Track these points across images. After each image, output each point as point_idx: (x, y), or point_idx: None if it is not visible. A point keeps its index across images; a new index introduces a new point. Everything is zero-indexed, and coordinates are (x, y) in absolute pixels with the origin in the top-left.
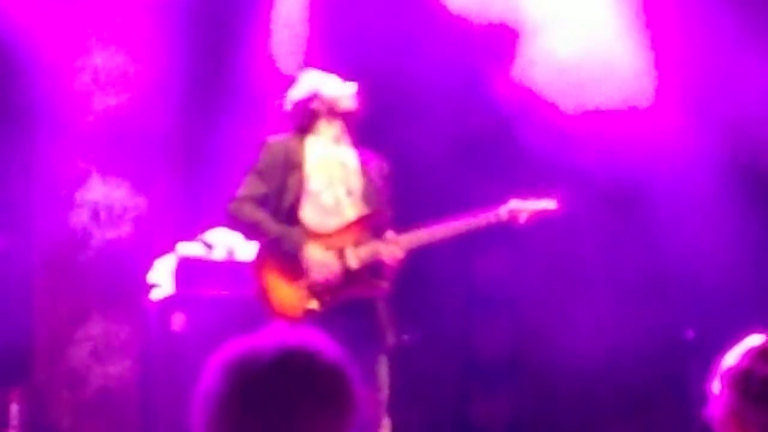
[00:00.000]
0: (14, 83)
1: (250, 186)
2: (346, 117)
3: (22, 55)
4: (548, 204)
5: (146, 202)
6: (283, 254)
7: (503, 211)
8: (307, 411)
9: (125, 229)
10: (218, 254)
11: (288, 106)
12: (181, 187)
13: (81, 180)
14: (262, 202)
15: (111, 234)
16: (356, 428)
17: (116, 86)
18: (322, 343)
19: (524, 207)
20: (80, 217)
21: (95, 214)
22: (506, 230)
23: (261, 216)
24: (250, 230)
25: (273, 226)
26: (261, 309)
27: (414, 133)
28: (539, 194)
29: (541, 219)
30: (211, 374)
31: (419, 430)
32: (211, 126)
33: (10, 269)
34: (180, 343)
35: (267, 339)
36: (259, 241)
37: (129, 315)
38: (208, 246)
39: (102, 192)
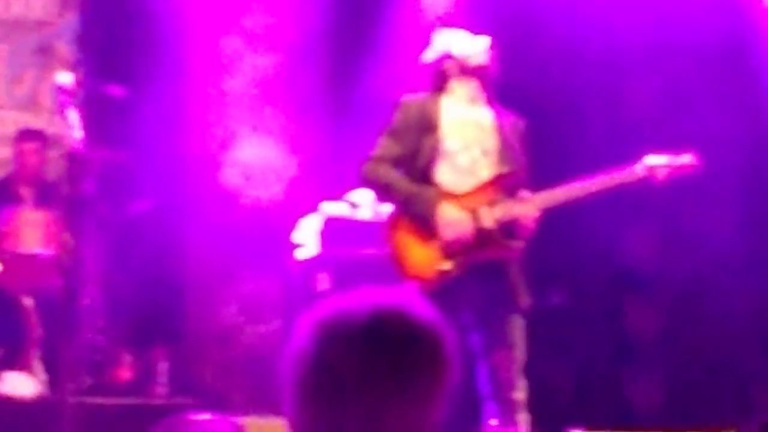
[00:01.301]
0: (165, 47)
1: (384, 147)
2: (479, 73)
3: (174, 19)
4: (686, 160)
5: (296, 162)
6: (416, 215)
7: (640, 168)
8: (398, 373)
9: (275, 190)
10: (364, 214)
11: (422, 67)
12: (329, 146)
13: (232, 141)
14: (396, 163)
15: (261, 194)
16: (450, 393)
17: (266, 47)
18: (417, 305)
19: (662, 163)
20: (231, 178)
21: (246, 175)
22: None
23: (394, 177)
24: (383, 191)
25: (406, 187)
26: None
27: (553, 89)
28: (676, 152)
29: (679, 176)
30: (301, 334)
31: (560, 390)
32: (358, 85)
33: (162, 229)
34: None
35: (360, 300)
36: (392, 202)
37: (278, 275)
38: (354, 205)
39: (253, 152)
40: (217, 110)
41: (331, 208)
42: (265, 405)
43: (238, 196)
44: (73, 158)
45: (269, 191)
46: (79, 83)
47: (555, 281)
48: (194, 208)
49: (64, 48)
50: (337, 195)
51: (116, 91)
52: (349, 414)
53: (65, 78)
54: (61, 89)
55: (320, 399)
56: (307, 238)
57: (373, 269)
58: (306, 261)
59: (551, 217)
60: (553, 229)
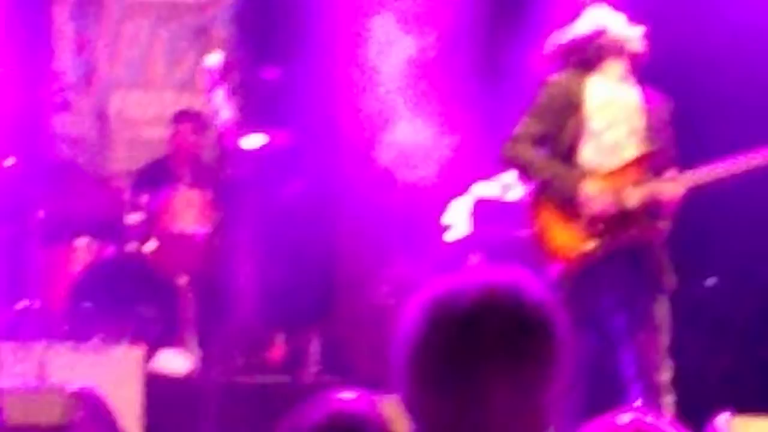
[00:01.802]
0: (318, 28)
1: (527, 125)
2: (632, 58)
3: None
4: None
5: (449, 143)
6: (559, 195)
7: None
8: (507, 355)
9: (428, 171)
10: (515, 195)
11: (570, 40)
12: (482, 127)
13: (386, 122)
14: (539, 141)
15: (415, 175)
16: (567, 377)
17: (419, 27)
18: (530, 285)
19: None
20: (385, 159)
21: (400, 156)
22: None
23: (535, 155)
24: (523, 170)
25: (548, 166)
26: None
27: (699, 72)
28: None
29: None
30: (411, 314)
31: (710, 373)
32: (510, 66)
33: (316, 211)
34: None
35: (471, 279)
36: (534, 181)
37: (429, 256)
38: (506, 187)
39: (407, 133)
40: (371, 91)
41: (482, 189)
42: None
43: (392, 178)
44: (221, 139)
45: (423, 172)
46: (234, 65)
47: (710, 264)
48: (348, 189)
49: (222, 30)
50: (488, 176)
51: (270, 72)
52: (457, 394)
53: (214, 59)
54: (209, 71)
55: (429, 379)
56: (458, 219)
57: (523, 250)
58: (457, 242)
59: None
60: (705, 211)
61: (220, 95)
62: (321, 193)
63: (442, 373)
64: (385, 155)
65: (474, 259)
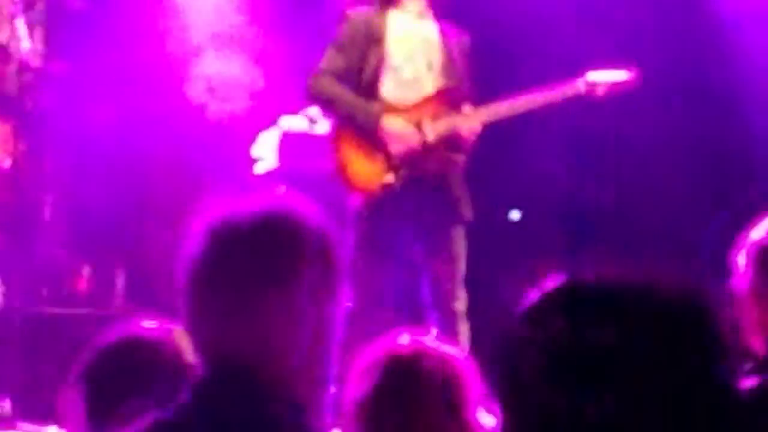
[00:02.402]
0: None
1: (329, 60)
2: None
3: None
4: (624, 75)
5: (260, 75)
6: (360, 128)
7: (581, 83)
8: (285, 268)
9: (240, 103)
10: (322, 129)
11: None
12: (293, 60)
13: (196, 54)
14: (341, 76)
15: (226, 108)
16: (341, 296)
17: None
18: (304, 207)
19: (602, 79)
20: (196, 91)
21: (211, 88)
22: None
23: (339, 90)
24: (327, 104)
25: (351, 100)
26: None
27: (495, 5)
28: (614, 66)
29: (618, 91)
30: (194, 236)
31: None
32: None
33: (123, 141)
34: None
35: (251, 203)
36: (336, 116)
37: (239, 189)
38: (312, 120)
39: (218, 65)
40: (181, 22)
41: (289, 122)
42: None
43: (203, 110)
44: (23, 70)
45: (233, 105)
46: None
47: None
48: (159, 121)
49: None
50: (296, 109)
51: (75, 3)
52: (232, 306)
53: None
54: (8, 1)
55: (208, 294)
56: (266, 152)
57: (329, 182)
58: (265, 175)
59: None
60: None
61: (21, 25)
62: (131, 125)
63: (221, 290)
64: (195, 88)
65: (280, 191)
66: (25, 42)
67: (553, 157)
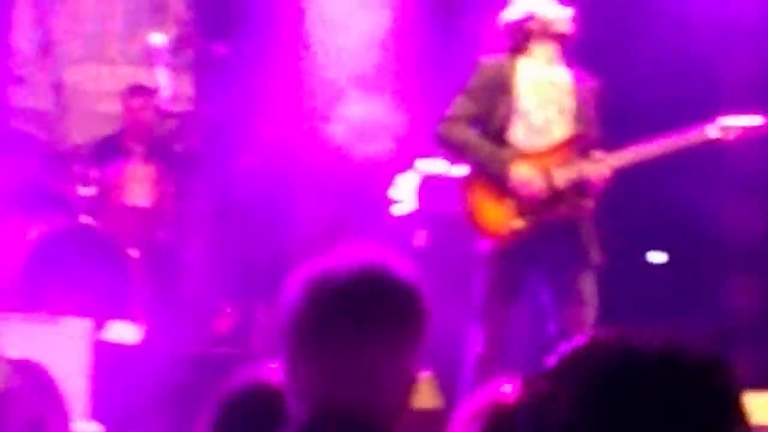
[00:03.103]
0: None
1: (460, 106)
2: (560, 39)
3: None
4: (758, 121)
5: (402, 118)
6: (490, 174)
7: (712, 128)
8: (377, 324)
9: (383, 146)
10: (460, 171)
11: (502, 26)
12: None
13: (339, 97)
14: (471, 122)
15: (369, 150)
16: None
17: (375, 4)
18: (397, 263)
19: (733, 124)
20: (339, 133)
21: (353, 131)
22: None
23: (469, 136)
24: (457, 150)
25: (481, 146)
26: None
27: (627, 54)
28: (744, 113)
29: (750, 137)
30: (292, 289)
31: None
32: (453, 46)
33: (266, 183)
34: (422, 259)
35: (346, 260)
36: (467, 162)
37: (377, 231)
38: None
39: (362, 108)
40: (325, 67)
41: (427, 165)
42: None
43: (346, 152)
44: (167, 114)
45: (376, 147)
46: (189, 41)
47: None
48: (300, 163)
49: (179, 5)
50: (435, 153)
51: (222, 48)
52: (329, 361)
53: (157, 38)
54: (153, 49)
55: (307, 348)
56: (405, 194)
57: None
58: (403, 217)
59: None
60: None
61: (163, 73)
62: (273, 166)
63: (316, 342)
64: (338, 129)
65: (420, 234)
66: (166, 90)
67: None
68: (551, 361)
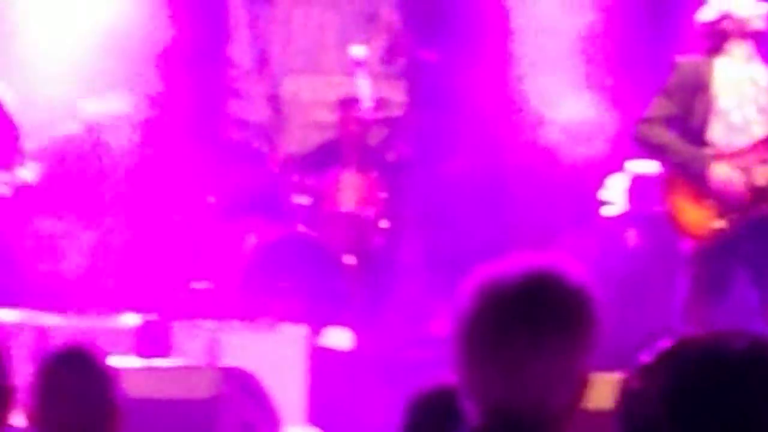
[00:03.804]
0: (478, 8)
1: (659, 107)
2: (756, 36)
3: None
4: None
5: (614, 119)
6: (690, 175)
7: None
8: (548, 329)
9: (593, 147)
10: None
11: (698, 27)
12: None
13: (552, 99)
14: (670, 122)
15: (581, 152)
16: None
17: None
18: (568, 268)
19: None
20: (551, 136)
21: (567, 132)
22: None
23: (670, 137)
24: (657, 151)
25: (681, 147)
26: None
27: None
28: None
29: None
30: (464, 296)
31: None
32: (660, 45)
33: (478, 187)
34: (633, 259)
35: (517, 263)
36: (667, 162)
37: (591, 232)
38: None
39: (574, 110)
40: (535, 69)
41: (638, 166)
42: None
43: (557, 155)
44: (369, 125)
45: (588, 149)
46: (400, 49)
47: None
48: (512, 165)
49: (390, 14)
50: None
51: (431, 56)
52: (502, 367)
53: (359, 51)
54: (354, 61)
55: (478, 355)
56: (615, 195)
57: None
58: (614, 218)
59: None
60: None
61: (365, 84)
62: (484, 170)
63: (489, 349)
64: (551, 132)
65: (631, 234)
66: (368, 101)
67: None
68: (645, 358)
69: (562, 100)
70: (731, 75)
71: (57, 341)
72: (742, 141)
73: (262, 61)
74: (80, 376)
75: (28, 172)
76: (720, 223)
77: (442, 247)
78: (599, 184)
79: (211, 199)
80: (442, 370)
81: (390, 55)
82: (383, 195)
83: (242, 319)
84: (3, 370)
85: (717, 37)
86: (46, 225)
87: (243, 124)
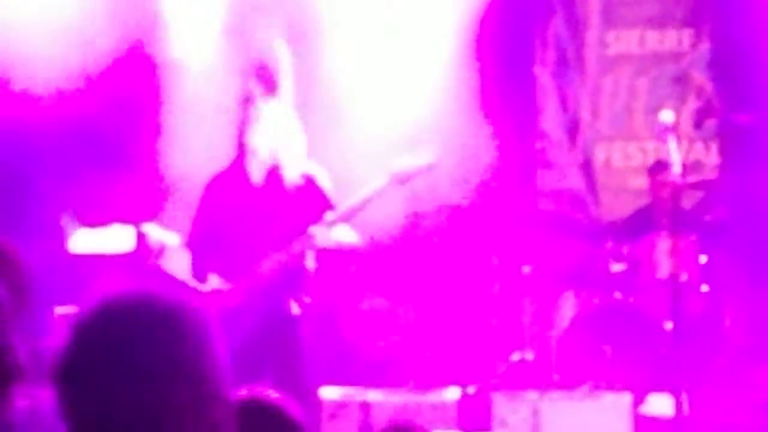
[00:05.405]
0: None
1: None
2: None
3: None
4: None
5: None
6: None
7: None
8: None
9: None
10: None
11: None
12: None
13: None
14: None
15: None
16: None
17: None
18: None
19: None
20: None
21: None
22: None
23: None
24: None
25: None
26: None
27: None
28: None
29: None
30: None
31: None
32: None
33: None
34: None
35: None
36: None
37: None
38: None
39: None
40: None
41: None
42: None
43: None
44: (680, 189)
45: None
46: (711, 111)
47: None
48: None
49: (699, 76)
50: None
51: (744, 118)
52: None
53: (668, 115)
54: (664, 126)
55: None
56: None
57: None
58: None
59: None
60: None
61: (672, 148)
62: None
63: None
64: None
65: None
66: (677, 166)
67: None
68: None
69: None
70: None
71: (380, 417)
72: None
73: (573, 130)
74: None
75: (348, 233)
76: None
77: (767, 310)
78: None
79: (527, 270)
80: None
81: (702, 117)
82: (702, 258)
83: (563, 388)
84: None
85: None
86: (374, 303)
87: (556, 194)
